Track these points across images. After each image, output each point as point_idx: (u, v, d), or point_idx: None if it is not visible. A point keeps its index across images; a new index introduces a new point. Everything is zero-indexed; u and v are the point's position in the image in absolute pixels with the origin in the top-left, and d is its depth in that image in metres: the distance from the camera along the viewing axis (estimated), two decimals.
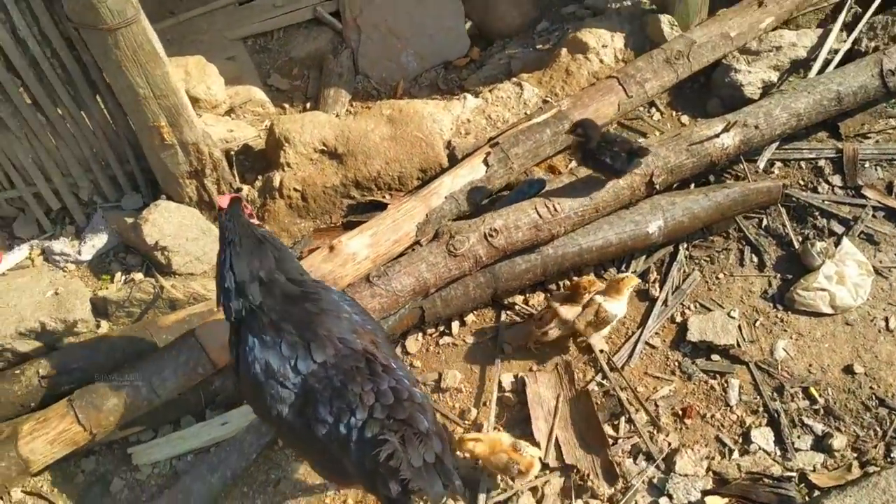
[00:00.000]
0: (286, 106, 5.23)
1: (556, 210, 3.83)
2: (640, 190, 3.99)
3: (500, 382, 3.91)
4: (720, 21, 4.55)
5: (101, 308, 4.24)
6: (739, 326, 3.95)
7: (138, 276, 4.33)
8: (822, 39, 4.58)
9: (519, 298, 4.17)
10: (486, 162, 4.09)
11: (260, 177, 4.53)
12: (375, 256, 3.91)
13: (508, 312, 4.14)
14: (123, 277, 4.36)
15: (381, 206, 4.33)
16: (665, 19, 4.66)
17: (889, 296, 4.02)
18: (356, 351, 2.82)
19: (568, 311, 3.80)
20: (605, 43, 4.69)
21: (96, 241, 4.45)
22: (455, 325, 4.14)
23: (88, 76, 4.01)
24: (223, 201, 3.02)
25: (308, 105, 5.20)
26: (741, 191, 4.05)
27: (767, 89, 4.55)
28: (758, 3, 4.55)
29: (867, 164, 4.43)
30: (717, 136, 4.03)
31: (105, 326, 4.24)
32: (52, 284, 4.30)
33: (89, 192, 4.53)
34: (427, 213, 3.97)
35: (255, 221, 3.15)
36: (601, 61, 4.68)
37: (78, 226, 4.55)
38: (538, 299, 4.16)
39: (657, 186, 3.99)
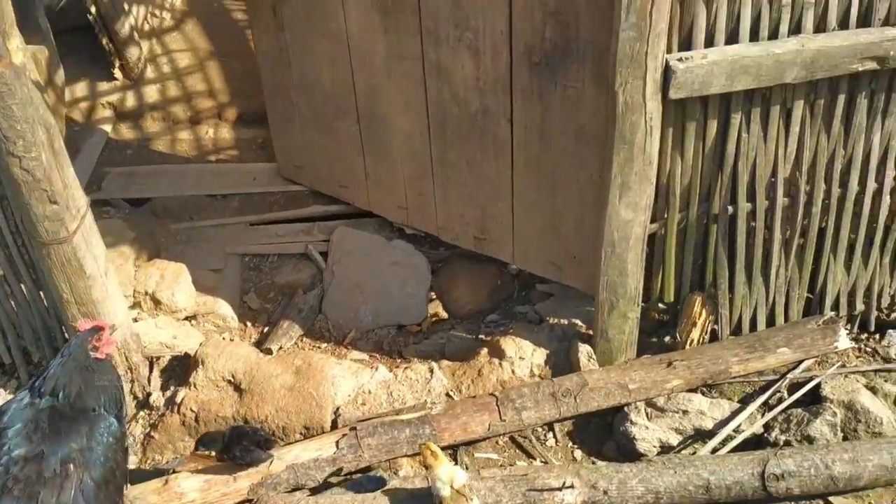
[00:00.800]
0: (248, 324, 5.66)
1: None
2: None
3: None
4: (622, 370, 4.46)
5: None
6: None
7: None
8: (733, 416, 4.37)
9: None
10: (337, 444, 4.20)
11: (174, 387, 4.90)
12: (203, 502, 4.06)
13: None
14: None
15: None
16: (584, 349, 4.66)
17: None
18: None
19: None
20: (522, 355, 4.75)
21: None
22: None
23: None
24: (83, 325, 3.57)
25: (266, 329, 5.59)
26: None
27: (665, 451, 4.36)
28: (667, 363, 4.46)
29: None
30: (560, 489, 3.91)
31: None
32: None
33: (39, 356, 5.09)
34: (262, 476, 4.10)
35: (99, 355, 3.53)
36: (513, 372, 4.73)
37: (21, 383, 5.09)
38: None
39: None
